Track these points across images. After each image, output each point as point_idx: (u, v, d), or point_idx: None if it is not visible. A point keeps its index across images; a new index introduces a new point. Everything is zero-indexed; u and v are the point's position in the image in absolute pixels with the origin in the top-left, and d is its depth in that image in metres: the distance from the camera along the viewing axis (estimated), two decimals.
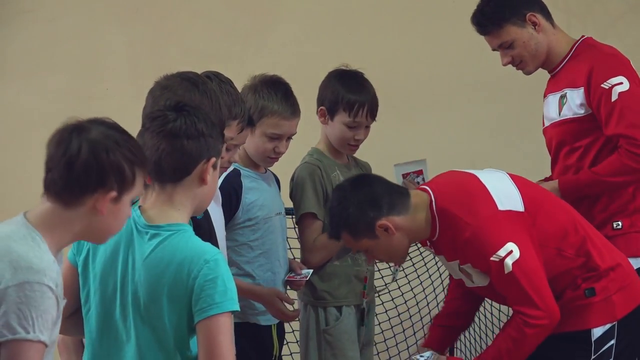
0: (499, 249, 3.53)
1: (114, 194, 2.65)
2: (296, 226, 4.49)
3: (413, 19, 6.47)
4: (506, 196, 3.66)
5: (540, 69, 4.28)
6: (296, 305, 4.52)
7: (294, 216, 4.46)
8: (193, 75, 3.37)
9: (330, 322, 4.38)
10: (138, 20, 6.68)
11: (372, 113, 4.39)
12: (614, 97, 4.00)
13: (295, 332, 5.36)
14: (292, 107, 4.21)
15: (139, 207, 2.99)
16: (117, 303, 2.93)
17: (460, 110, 6.35)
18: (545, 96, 4.30)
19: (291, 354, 5.70)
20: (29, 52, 6.76)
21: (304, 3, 6.53)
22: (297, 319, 4.41)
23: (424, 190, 3.74)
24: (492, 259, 3.54)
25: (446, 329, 3.99)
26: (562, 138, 4.17)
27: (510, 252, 3.53)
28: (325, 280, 4.38)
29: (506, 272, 3.52)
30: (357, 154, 4.56)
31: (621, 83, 4.02)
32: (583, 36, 4.20)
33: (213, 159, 2.97)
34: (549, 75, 4.33)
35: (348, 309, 4.41)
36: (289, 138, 4.23)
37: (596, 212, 4.09)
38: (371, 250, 3.74)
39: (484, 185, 3.68)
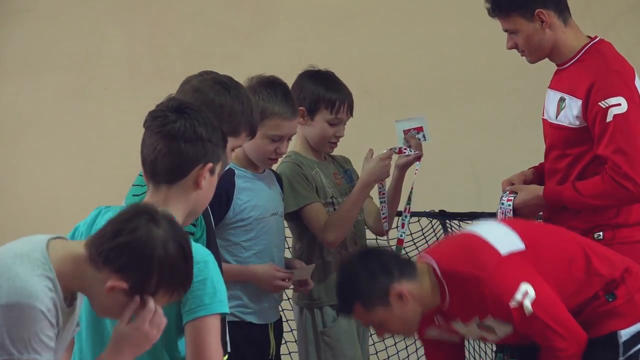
0: (514, 293, 3.53)
1: None
2: (287, 226, 4.49)
3: (412, 19, 6.47)
4: (504, 239, 3.66)
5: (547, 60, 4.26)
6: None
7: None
8: (226, 78, 3.35)
9: (328, 323, 4.38)
10: (136, 20, 6.67)
11: (351, 109, 4.44)
12: (609, 119, 3.96)
13: (294, 331, 5.36)
14: (292, 107, 4.19)
15: None
16: None
17: (459, 110, 6.35)
18: (550, 86, 4.28)
19: (289, 353, 5.70)
20: (27, 51, 6.76)
21: (302, 3, 6.53)
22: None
23: (422, 258, 3.73)
24: (511, 305, 3.53)
25: None
26: (555, 142, 4.16)
27: (526, 293, 3.53)
28: (319, 281, 4.38)
29: (527, 314, 3.52)
30: (352, 155, 4.59)
31: (619, 104, 3.97)
32: (596, 37, 4.17)
33: (210, 165, 2.94)
34: (549, 76, 4.30)
35: None
36: (289, 138, 4.23)
37: (578, 222, 4.09)
38: (385, 321, 3.67)
39: (480, 236, 3.68)
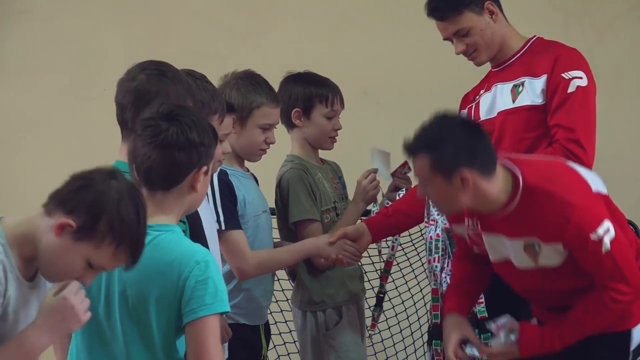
0: (597, 227, 3.50)
1: None
2: (277, 227, 4.52)
3: (411, 20, 6.45)
4: (594, 178, 3.65)
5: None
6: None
7: (275, 217, 4.53)
8: (160, 67, 3.37)
9: (331, 326, 4.39)
10: (135, 21, 6.68)
11: (343, 100, 4.50)
12: (571, 89, 3.99)
13: (292, 332, 5.37)
14: (275, 95, 4.32)
15: None
16: (102, 302, 2.93)
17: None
18: (483, 88, 4.26)
19: (288, 354, 5.71)
20: (25, 53, 6.75)
21: (300, 4, 6.53)
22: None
23: (505, 163, 3.61)
24: (592, 237, 3.49)
25: (463, 294, 3.92)
26: (514, 126, 4.10)
27: (607, 231, 3.51)
28: (321, 284, 4.39)
29: (604, 251, 3.50)
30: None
31: (581, 77, 4.01)
32: (535, 35, 4.18)
33: (204, 168, 2.97)
34: None
35: (347, 309, 4.41)
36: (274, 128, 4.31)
37: None
38: (433, 189, 3.56)
39: (572, 167, 3.66)
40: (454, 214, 3.73)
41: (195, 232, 3.34)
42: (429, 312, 4.78)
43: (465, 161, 3.48)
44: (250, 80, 4.28)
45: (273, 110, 4.27)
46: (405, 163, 4.43)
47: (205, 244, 3.30)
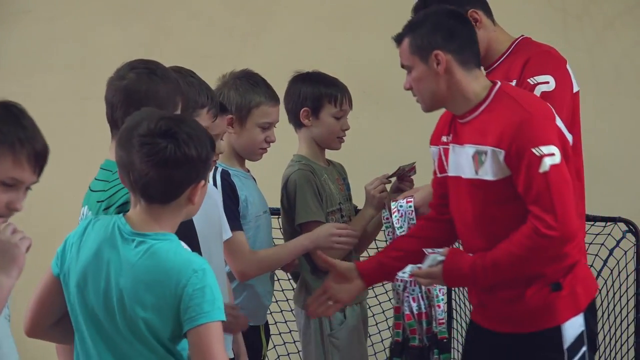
0: (543, 145, 3.46)
1: None
2: (281, 227, 4.54)
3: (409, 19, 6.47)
4: (565, 130, 3.64)
5: None
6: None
7: (279, 217, 4.54)
8: (148, 65, 3.39)
9: (335, 326, 4.40)
10: (135, 21, 6.68)
11: (351, 101, 4.51)
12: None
13: (293, 332, 5.37)
14: (275, 94, 4.34)
15: (123, 215, 3.00)
16: (102, 310, 2.94)
17: None
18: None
19: (288, 354, 5.71)
20: (25, 52, 6.76)
21: (300, 4, 6.54)
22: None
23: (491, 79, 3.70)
24: (532, 150, 3.45)
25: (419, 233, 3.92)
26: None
27: (552, 154, 3.46)
28: (318, 277, 4.39)
29: (541, 170, 3.44)
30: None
31: (547, 82, 3.95)
32: (522, 35, 4.18)
33: (202, 182, 2.99)
34: None
35: (351, 309, 4.42)
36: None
37: None
38: (413, 73, 3.66)
39: (554, 112, 3.63)
40: (434, 108, 3.72)
41: (184, 233, 3.34)
42: (390, 329, 4.75)
43: (442, 42, 3.58)
44: (248, 80, 4.30)
45: (272, 109, 4.29)
46: (413, 167, 4.44)
47: (196, 245, 3.30)
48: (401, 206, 4.21)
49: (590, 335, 3.65)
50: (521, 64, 4.01)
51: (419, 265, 3.68)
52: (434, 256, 3.65)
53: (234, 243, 4.10)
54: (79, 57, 6.70)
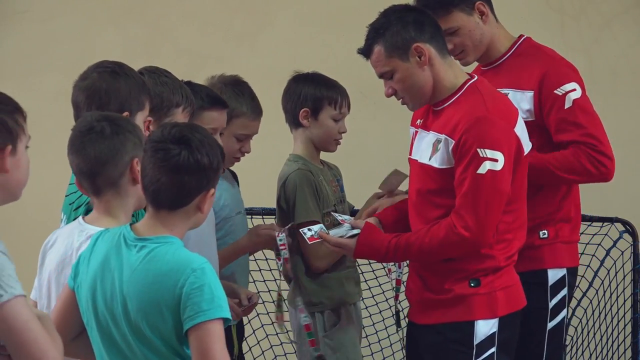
0: (489, 148, 3.47)
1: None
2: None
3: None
4: (526, 141, 3.64)
5: None
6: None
7: (274, 217, 4.53)
8: (111, 66, 3.46)
9: (329, 327, 4.39)
10: (132, 21, 6.68)
11: (350, 104, 4.52)
12: (568, 104, 3.95)
13: (289, 332, 5.37)
14: (258, 107, 4.32)
15: (130, 225, 3.01)
16: (109, 317, 2.95)
17: None
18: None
19: (285, 354, 5.71)
20: (23, 53, 6.76)
21: (297, 5, 6.54)
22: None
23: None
24: (478, 149, 3.47)
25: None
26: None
27: (495, 160, 3.47)
28: (319, 285, 4.39)
29: (478, 171, 3.47)
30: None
31: (574, 90, 3.97)
32: (523, 35, 4.16)
33: (212, 190, 2.99)
34: None
35: (345, 309, 4.42)
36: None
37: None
38: (396, 75, 3.64)
39: (518, 119, 3.63)
40: (423, 104, 3.72)
41: None
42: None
43: (416, 34, 3.60)
44: (234, 88, 4.28)
45: (252, 122, 4.27)
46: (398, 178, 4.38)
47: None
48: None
49: (506, 340, 3.66)
50: (537, 75, 3.98)
51: (324, 228, 3.74)
52: (347, 226, 3.67)
53: None
54: (77, 57, 6.69)
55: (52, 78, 6.68)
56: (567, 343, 5.50)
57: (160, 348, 2.90)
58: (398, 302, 4.28)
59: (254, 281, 5.31)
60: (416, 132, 3.78)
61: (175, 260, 2.90)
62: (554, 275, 4.03)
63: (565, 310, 4.08)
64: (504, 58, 4.10)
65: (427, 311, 3.69)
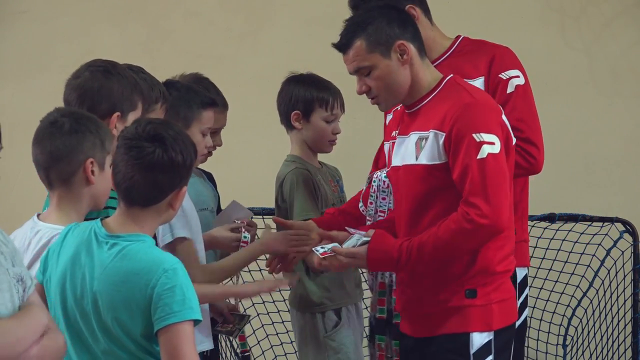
0: (484, 132, 3.44)
1: None
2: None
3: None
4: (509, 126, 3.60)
5: None
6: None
7: (273, 216, 4.46)
8: (104, 65, 3.45)
9: (330, 328, 4.39)
10: (132, 21, 6.68)
11: (343, 104, 4.50)
12: (510, 89, 3.96)
13: (290, 332, 5.37)
14: (223, 99, 4.33)
15: (101, 220, 3.00)
16: (78, 313, 2.94)
17: None
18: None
19: (285, 354, 5.71)
20: (23, 53, 6.76)
21: (296, 4, 6.54)
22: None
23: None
24: (473, 135, 3.42)
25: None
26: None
27: (492, 143, 3.44)
28: (320, 286, 4.39)
29: (478, 157, 3.42)
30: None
31: (518, 76, 3.97)
32: (460, 35, 4.16)
33: (184, 188, 2.99)
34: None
35: (346, 310, 4.42)
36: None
37: None
38: (375, 72, 3.59)
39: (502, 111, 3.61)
40: (397, 103, 3.68)
41: None
42: (368, 308, 4.70)
43: (400, 32, 3.57)
44: (199, 84, 4.28)
45: (220, 115, 4.27)
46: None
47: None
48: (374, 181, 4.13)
49: (503, 348, 3.61)
50: (486, 61, 3.99)
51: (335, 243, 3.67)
52: (358, 236, 3.62)
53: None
54: (77, 57, 6.67)
55: (52, 78, 6.66)
56: (567, 343, 5.51)
57: (128, 345, 2.88)
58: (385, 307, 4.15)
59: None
60: (393, 143, 3.72)
61: (147, 259, 2.88)
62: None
63: (526, 310, 4.07)
64: (445, 57, 4.06)
65: (422, 323, 3.63)
